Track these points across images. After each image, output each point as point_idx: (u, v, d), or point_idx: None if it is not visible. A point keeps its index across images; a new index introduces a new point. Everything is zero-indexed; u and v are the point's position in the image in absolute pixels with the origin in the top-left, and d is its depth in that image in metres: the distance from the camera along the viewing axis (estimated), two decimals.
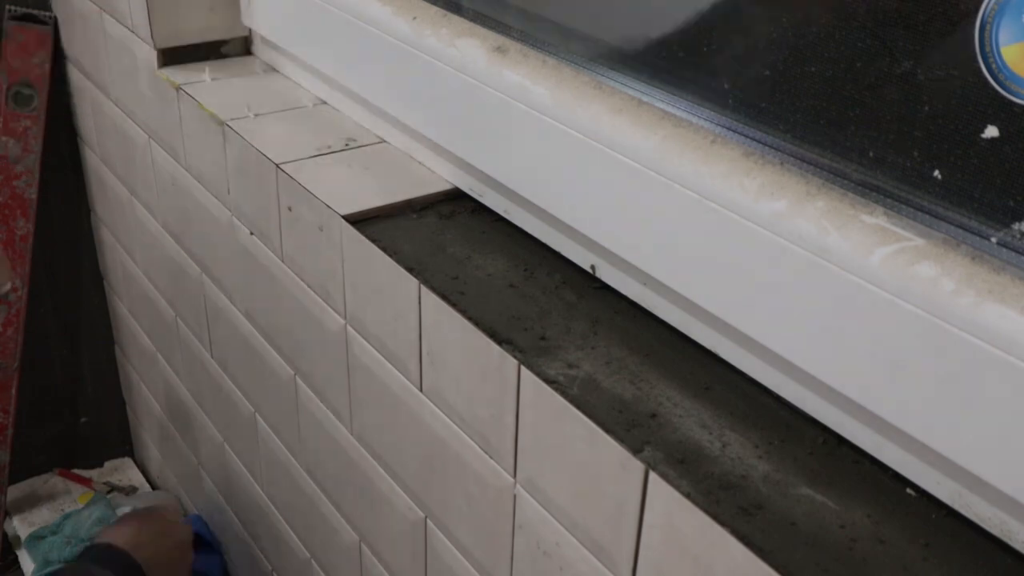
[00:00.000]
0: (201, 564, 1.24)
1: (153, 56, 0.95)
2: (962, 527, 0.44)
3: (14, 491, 1.57)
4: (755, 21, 0.49)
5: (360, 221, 0.68)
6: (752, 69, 0.49)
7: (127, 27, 1.00)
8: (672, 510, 0.46)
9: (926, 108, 0.41)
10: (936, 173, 0.41)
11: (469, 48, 0.65)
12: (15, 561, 1.50)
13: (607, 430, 0.49)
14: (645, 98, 0.55)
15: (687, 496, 0.45)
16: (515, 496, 0.58)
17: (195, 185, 0.96)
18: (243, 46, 0.99)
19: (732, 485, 0.46)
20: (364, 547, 0.83)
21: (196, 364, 1.13)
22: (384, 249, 0.64)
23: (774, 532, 0.43)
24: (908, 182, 0.42)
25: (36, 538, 1.41)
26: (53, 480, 1.60)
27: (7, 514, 1.54)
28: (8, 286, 1.26)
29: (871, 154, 0.44)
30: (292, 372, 0.87)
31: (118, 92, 1.12)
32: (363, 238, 0.66)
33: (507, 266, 0.63)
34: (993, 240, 0.40)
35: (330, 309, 0.75)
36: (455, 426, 0.62)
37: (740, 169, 0.49)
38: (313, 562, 0.96)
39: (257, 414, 1.00)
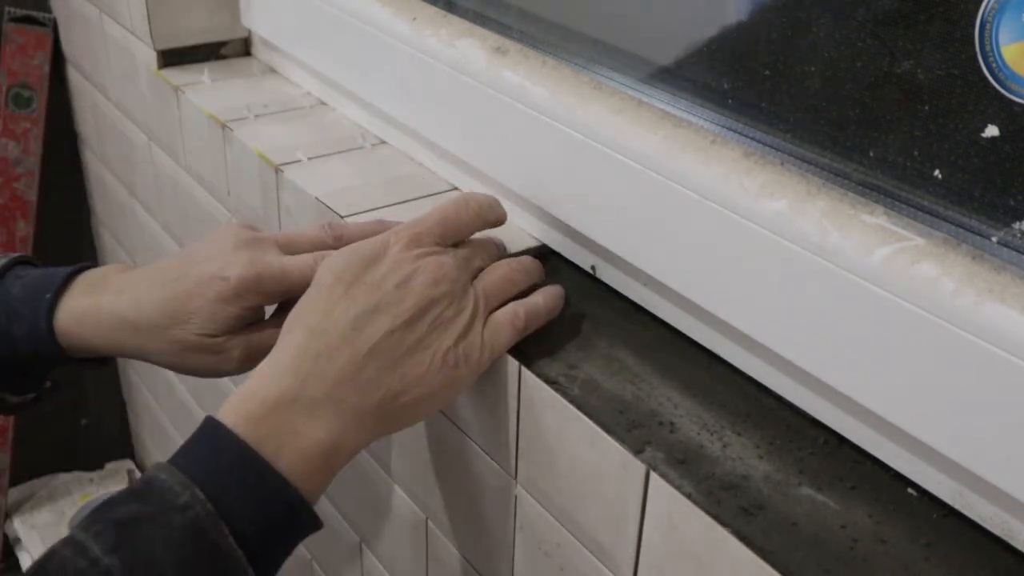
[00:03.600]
0: None
1: (152, 57, 0.95)
2: (963, 527, 0.44)
3: (14, 493, 1.57)
4: (755, 21, 0.49)
5: None
6: (752, 69, 0.49)
7: (126, 28, 1.00)
8: (673, 511, 0.46)
9: (926, 108, 0.41)
10: (936, 173, 0.41)
11: (469, 49, 0.65)
12: (16, 563, 1.50)
13: (608, 431, 0.49)
14: (645, 98, 0.55)
15: (688, 497, 0.45)
16: (516, 497, 0.58)
17: (195, 187, 0.96)
18: (243, 47, 0.99)
19: (733, 485, 0.46)
20: (364, 547, 0.83)
21: None
22: None
23: (775, 533, 0.43)
24: (908, 182, 0.42)
25: None
26: (54, 482, 1.60)
27: (7, 516, 1.54)
28: None
29: (871, 154, 0.44)
30: None
31: (118, 93, 1.12)
32: None
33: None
34: (994, 239, 0.40)
35: None
36: (455, 426, 0.62)
37: (740, 169, 0.49)
38: (313, 562, 0.96)
39: None
